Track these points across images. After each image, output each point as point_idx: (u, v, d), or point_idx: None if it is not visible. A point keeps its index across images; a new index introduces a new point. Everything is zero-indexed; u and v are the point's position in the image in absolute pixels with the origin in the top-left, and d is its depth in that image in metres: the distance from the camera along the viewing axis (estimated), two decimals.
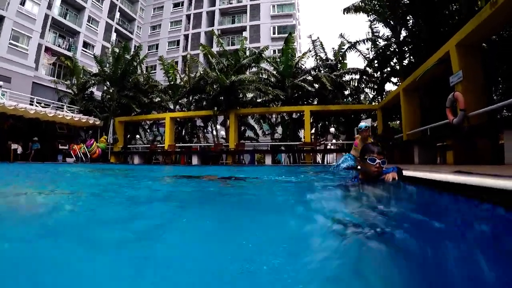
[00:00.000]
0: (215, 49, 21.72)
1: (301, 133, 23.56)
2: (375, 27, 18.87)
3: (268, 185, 5.25)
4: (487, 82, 9.44)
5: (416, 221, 1.90)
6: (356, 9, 16.10)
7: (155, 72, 36.60)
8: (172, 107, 23.99)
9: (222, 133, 23.43)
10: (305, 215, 2.31)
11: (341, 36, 20.55)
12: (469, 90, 8.56)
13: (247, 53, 21.64)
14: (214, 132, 22.88)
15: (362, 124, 7.54)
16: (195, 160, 19.53)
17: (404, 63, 15.95)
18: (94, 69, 26.74)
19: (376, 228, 1.64)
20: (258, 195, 3.98)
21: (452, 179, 2.35)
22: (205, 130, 25.59)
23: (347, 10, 16.34)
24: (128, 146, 23.62)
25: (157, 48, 42.77)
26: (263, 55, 20.02)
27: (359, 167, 3.80)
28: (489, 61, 10.02)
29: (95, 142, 20.88)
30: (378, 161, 3.05)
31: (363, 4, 15.85)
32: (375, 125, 19.67)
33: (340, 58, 21.55)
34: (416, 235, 1.54)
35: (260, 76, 21.23)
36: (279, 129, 23.80)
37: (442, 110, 10.63)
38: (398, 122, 20.98)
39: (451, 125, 9.00)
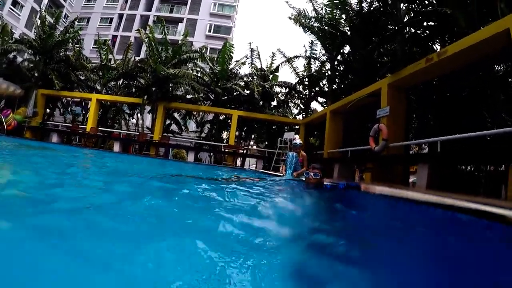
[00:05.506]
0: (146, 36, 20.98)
1: (224, 135, 24.09)
2: (314, 49, 20.13)
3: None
4: (406, 119, 11.14)
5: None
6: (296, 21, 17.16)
7: (83, 48, 33.39)
8: (99, 88, 22.52)
9: (140, 122, 22.79)
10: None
11: (279, 50, 21.51)
12: (392, 124, 10.00)
13: (182, 47, 21.35)
14: (140, 121, 22.04)
15: (298, 141, 8.27)
16: (116, 147, 18.63)
17: (333, 87, 17.51)
18: (18, 31, 23.45)
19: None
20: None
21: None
22: (129, 118, 24.49)
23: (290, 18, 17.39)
24: (47, 122, 21.56)
25: (88, 21, 39.44)
26: (204, 55, 20.17)
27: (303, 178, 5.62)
28: (410, 102, 11.80)
29: (11, 113, 18.34)
30: (311, 174, 4.31)
31: (302, 20, 16.96)
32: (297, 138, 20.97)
33: (273, 70, 22.65)
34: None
35: (195, 73, 21.14)
36: (205, 129, 23.97)
37: (362, 135, 12.19)
38: (316, 139, 22.63)
39: (372, 152, 10.40)
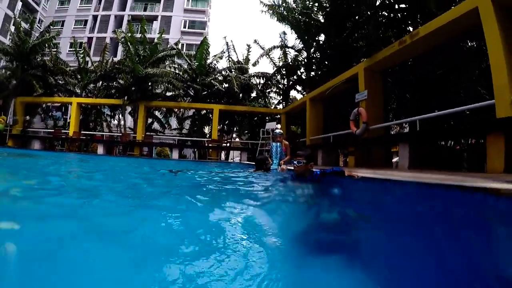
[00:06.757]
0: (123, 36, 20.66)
1: (206, 129, 23.99)
2: (286, 39, 20.24)
3: None
4: (384, 101, 11.40)
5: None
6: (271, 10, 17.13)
7: (60, 52, 32.48)
8: (79, 91, 22.15)
9: (122, 123, 22.49)
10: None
11: (255, 42, 21.52)
12: (371, 107, 10.26)
13: (158, 46, 21.10)
14: (122, 122, 21.73)
15: (278, 131, 8.40)
16: (100, 150, 18.57)
17: (311, 74, 17.65)
18: None
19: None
20: None
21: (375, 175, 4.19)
22: (111, 120, 24.11)
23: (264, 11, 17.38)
24: (28, 129, 21.15)
25: (62, 25, 38.34)
26: (181, 51, 20.02)
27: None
28: (387, 84, 12.05)
29: None
30: (295, 162, 4.18)
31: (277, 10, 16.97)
32: (279, 127, 21.11)
33: (252, 63, 22.63)
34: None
35: (173, 70, 20.95)
36: (186, 125, 23.81)
37: (343, 120, 12.38)
38: (298, 127, 22.85)
39: (353, 135, 10.62)
